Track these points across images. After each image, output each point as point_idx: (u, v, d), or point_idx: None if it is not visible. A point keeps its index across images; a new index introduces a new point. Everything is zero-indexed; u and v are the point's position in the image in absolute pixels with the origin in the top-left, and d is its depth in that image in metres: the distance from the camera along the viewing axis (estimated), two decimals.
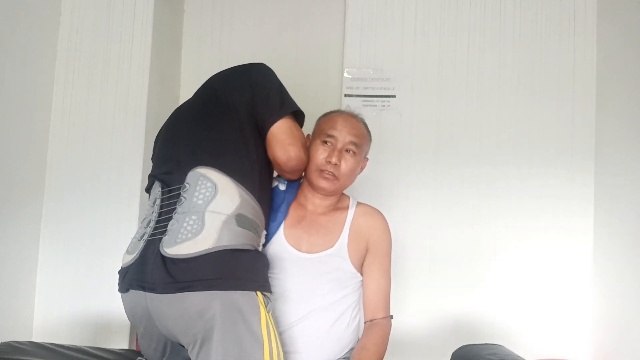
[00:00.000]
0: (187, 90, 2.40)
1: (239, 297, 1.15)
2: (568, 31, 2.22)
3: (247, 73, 1.37)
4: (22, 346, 1.32)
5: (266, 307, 1.19)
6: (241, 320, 1.13)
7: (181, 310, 1.14)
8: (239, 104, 1.31)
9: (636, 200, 1.84)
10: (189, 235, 1.16)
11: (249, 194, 1.25)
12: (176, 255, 1.15)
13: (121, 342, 2.00)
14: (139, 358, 1.39)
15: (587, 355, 2.09)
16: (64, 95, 2.09)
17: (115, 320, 2.00)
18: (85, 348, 1.41)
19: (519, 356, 1.38)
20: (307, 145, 1.43)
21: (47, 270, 2.04)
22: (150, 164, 1.46)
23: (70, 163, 2.06)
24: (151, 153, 2.09)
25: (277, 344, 1.17)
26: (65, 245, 2.04)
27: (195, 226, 1.17)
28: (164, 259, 1.16)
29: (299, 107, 1.36)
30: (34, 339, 1.67)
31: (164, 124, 1.46)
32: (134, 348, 1.94)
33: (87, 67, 2.09)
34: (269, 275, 1.33)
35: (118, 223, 2.03)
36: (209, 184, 1.22)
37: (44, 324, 2.01)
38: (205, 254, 1.14)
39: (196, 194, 1.21)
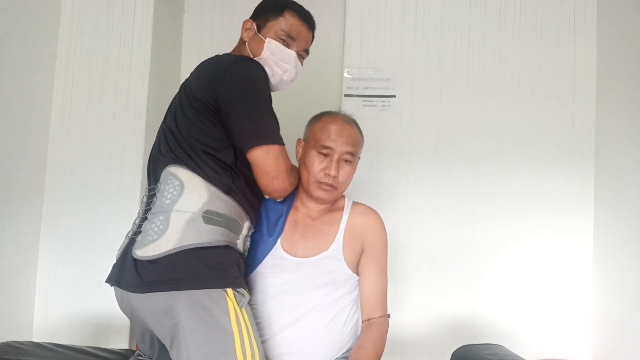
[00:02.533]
0: None
1: (204, 295, 1.16)
2: (568, 31, 2.22)
3: (211, 79, 1.27)
4: (22, 346, 1.32)
5: (238, 303, 1.18)
6: (208, 317, 1.14)
7: (150, 309, 1.17)
8: (207, 106, 1.25)
9: (636, 200, 1.84)
10: (155, 236, 1.19)
11: (220, 189, 1.23)
12: (143, 257, 1.18)
13: (121, 342, 2.00)
14: (137, 353, 1.40)
15: (587, 355, 2.09)
16: (64, 95, 2.09)
17: (115, 320, 2.00)
18: (85, 348, 1.42)
19: (519, 356, 1.38)
20: (300, 151, 1.43)
21: (47, 270, 2.04)
22: None
23: (70, 163, 2.06)
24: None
25: (249, 335, 1.16)
26: (65, 245, 2.04)
27: (161, 227, 1.19)
28: (135, 260, 1.19)
29: (277, 137, 1.27)
30: (34, 339, 1.68)
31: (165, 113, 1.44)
32: (133, 348, 1.94)
33: (87, 67, 2.09)
34: (266, 277, 1.35)
35: (118, 223, 2.03)
36: (176, 183, 1.23)
37: (44, 324, 2.02)
38: (168, 255, 1.16)
39: (165, 193, 1.23)
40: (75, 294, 2.02)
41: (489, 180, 2.18)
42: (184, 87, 1.35)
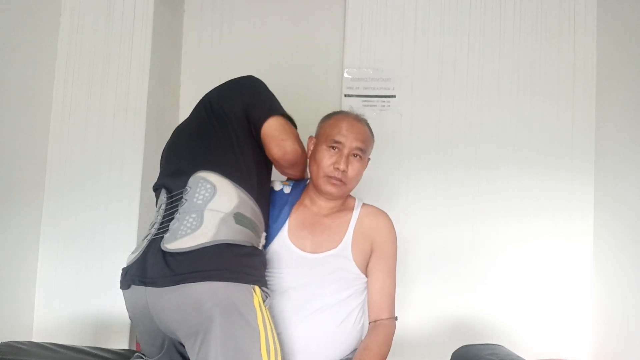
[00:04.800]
0: (187, 90, 2.40)
1: (235, 290, 1.18)
2: (568, 31, 2.22)
3: (236, 83, 1.47)
4: (22, 346, 1.32)
5: (264, 302, 1.22)
6: (237, 313, 1.16)
7: (178, 302, 1.17)
8: (230, 112, 1.38)
9: (636, 200, 1.84)
10: (188, 231, 1.22)
11: (248, 195, 1.30)
12: (176, 249, 1.20)
13: (121, 342, 2.00)
14: (137, 354, 1.40)
15: (587, 355, 2.09)
16: (64, 95, 2.09)
17: (115, 320, 2.00)
18: (85, 348, 1.42)
19: (519, 356, 1.38)
20: (311, 148, 1.46)
21: (47, 270, 2.04)
22: (150, 165, 1.48)
23: (70, 163, 2.06)
24: (150, 153, 2.09)
25: (273, 335, 1.19)
26: (65, 245, 2.04)
27: (194, 223, 1.23)
28: (164, 254, 1.20)
29: (289, 115, 1.42)
30: (34, 339, 1.67)
31: (167, 143, 1.52)
32: (134, 348, 1.94)
33: (87, 67, 2.09)
34: (273, 273, 1.36)
35: (118, 223, 2.03)
36: (208, 185, 1.28)
37: (44, 324, 2.01)
38: (203, 247, 1.19)
39: (196, 195, 1.27)
40: (75, 294, 2.02)
41: (489, 180, 2.18)
42: (210, 102, 1.45)
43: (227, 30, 2.43)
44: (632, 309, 1.83)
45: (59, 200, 2.05)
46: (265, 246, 1.39)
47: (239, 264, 1.21)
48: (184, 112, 2.29)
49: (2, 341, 1.34)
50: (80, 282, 2.03)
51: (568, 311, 2.11)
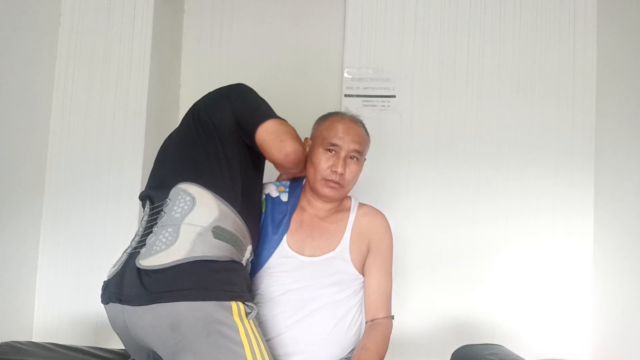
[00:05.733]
0: (187, 90, 2.40)
1: (212, 308, 1.14)
2: (568, 31, 2.22)
3: (225, 91, 1.43)
4: (22, 346, 1.32)
5: (247, 316, 1.18)
6: (215, 332, 1.13)
7: (153, 322, 1.14)
8: (218, 121, 1.35)
9: (636, 201, 1.84)
10: (163, 246, 1.18)
11: (230, 207, 1.26)
12: (149, 266, 1.16)
13: (121, 342, 1.99)
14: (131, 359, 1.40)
15: (587, 355, 2.09)
16: (64, 95, 2.09)
17: None
18: (85, 348, 1.42)
19: (519, 356, 1.38)
20: (307, 150, 1.44)
21: (47, 270, 2.04)
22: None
23: (70, 163, 2.06)
24: (150, 153, 2.09)
25: (259, 345, 1.16)
26: (65, 245, 2.04)
27: (170, 238, 1.19)
28: (139, 271, 1.16)
29: (277, 116, 1.38)
30: (34, 339, 1.68)
31: (157, 153, 1.50)
32: None
33: (87, 67, 2.09)
34: (272, 277, 1.35)
35: (118, 223, 2.03)
36: (187, 198, 1.24)
37: (44, 324, 2.02)
38: (177, 265, 1.15)
39: (175, 207, 1.24)
40: (75, 294, 2.02)
41: (489, 181, 2.18)
42: (198, 111, 1.41)
43: (227, 30, 2.43)
44: (632, 309, 1.83)
45: (59, 200, 2.05)
46: (267, 258, 1.38)
47: (215, 280, 1.17)
48: (184, 112, 2.29)
49: (2, 341, 1.34)
50: (80, 282, 2.03)
51: (568, 311, 2.11)
